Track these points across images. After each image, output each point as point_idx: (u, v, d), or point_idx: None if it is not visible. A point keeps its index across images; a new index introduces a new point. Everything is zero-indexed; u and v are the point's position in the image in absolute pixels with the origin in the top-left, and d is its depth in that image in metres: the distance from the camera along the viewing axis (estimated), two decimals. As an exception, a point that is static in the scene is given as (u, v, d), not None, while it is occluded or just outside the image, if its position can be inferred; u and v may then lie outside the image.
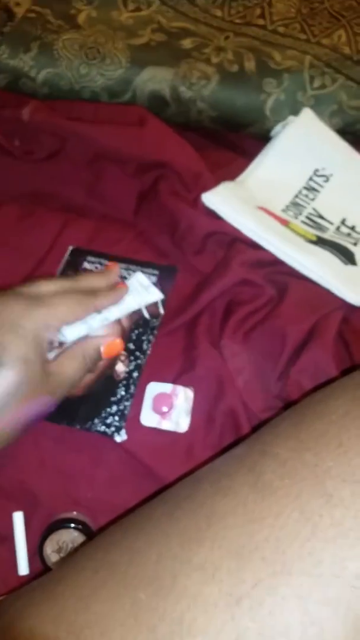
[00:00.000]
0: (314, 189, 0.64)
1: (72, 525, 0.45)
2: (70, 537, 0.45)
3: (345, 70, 0.68)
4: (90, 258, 0.58)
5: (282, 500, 0.31)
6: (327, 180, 0.64)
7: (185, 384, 0.52)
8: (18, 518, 0.47)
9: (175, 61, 0.65)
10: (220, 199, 0.58)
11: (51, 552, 0.45)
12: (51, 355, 0.45)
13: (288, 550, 0.29)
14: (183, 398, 0.51)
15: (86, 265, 0.58)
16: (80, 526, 0.45)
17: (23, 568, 0.46)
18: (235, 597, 0.29)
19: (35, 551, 0.46)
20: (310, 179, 0.64)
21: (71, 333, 0.51)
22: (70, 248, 0.59)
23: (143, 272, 0.57)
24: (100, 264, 0.58)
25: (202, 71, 0.65)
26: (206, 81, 0.65)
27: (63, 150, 0.62)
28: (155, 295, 0.55)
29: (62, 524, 0.45)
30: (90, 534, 0.45)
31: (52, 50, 0.65)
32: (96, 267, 0.58)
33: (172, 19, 0.70)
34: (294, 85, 0.66)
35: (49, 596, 0.34)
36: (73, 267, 0.58)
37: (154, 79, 0.65)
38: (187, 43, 0.68)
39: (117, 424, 0.49)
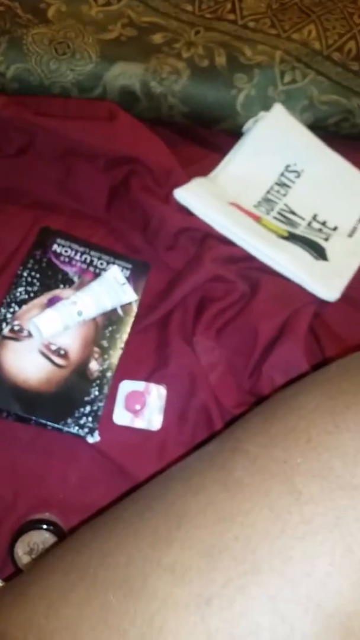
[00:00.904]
0: (285, 185, 0.64)
1: (44, 526, 0.44)
2: (41, 538, 0.44)
3: (315, 66, 0.69)
4: (60, 240, 0.57)
5: (252, 497, 0.31)
6: (298, 176, 0.64)
7: (158, 382, 0.52)
8: None
9: (146, 56, 0.65)
10: (192, 195, 0.58)
11: (22, 554, 0.44)
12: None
13: (258, 548, 0.29)
14: (156, 396, 0.51)
15: (55, 247, 0.57)
16: (51, 527, 0.44)
17: None
18: (205, 598, 0.28)
19: (7, 553, 0.45)
20: (282, 174, 0.64)
21: (47, 329, 0.50)
22: (41, 227, 0.58)
23: (116, 264, 0.56)
24: (71, 248, 0.57)
25: (173, 66, 0.65)
26: (177, 76, 0.64)
27: (32, 146, 0.60)
28: (130, 295, 0.55)
29: (33, 525, 0.44)
30: (62, 535, 0.45)
31: (22, 45, 0.64)
32: (66, 251, 0.57)
33: (143, 13, 0.69)
34: (265, 80, 0.66)
35: (18, 600, 0.33)
36: (41, 248, 0.56)
37: (125, 74, 0.64)
38: (157, 38, 0.67)
39: (90, 425, 0.48)
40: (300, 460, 0.32)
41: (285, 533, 0.29)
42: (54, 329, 0.50)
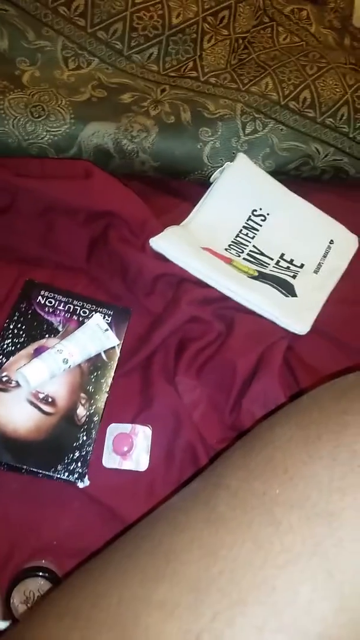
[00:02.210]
0: (253, 228, 0.68)
1: (39, 573, 0.45)
2: (36, 585, 0.45)
3: (274, 115, 0.74)
4: (44, 292, 0.60)
5: (234, 531, 0.32)
6: (264, 219, 0.68)
7: (144, 423, 0.54)
8: None
9: (117, 115, 0.69)
10: (167, 243, 0.61)
11: (19, 604, 0.45)
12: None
13: (242, 580, 0.30)
14: (142, 437, 0.53)
15: (40, 299, 0.60)
16: (46, 574, 0.45)
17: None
18: (194, 633, 0.29)
19: (4, 604, 0.46)
20: (249, 218, 0.68)
21: (35, 379, 0.52)
22: (25, 280, 0.61)
23: (98, 311, 0.59)
24: (55, 298, 0.60)
25: (142, 124, 0.69)
26: (146, 133, 0.69)
27: (14, 205, 0.64)
28: (113, 340, 0.57)
29: (28, 573, 0.45)
30: (57, 581, 0.45)
31: (-1, 110, 0.68)
32: (50, 302, 0.59)
33: (111, 75, 0.74)
34: (228, 132, 0.71)
35: (16, 650, 0.34)
36: (26, 300, 0.59)
37: (98, 134, 0.68)
38: (126, 97, 0.72)
39: (79, 470, 0.50)
40: (279, 490, 0.34)
41: (267, 563, 0.31)
42: (41, 378, 0.52)
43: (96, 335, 0.57)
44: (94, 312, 0.59)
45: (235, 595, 0.30)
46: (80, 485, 0.50)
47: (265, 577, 0.30)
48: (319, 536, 0.30)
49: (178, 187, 0.71)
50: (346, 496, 0.31)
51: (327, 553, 0.30)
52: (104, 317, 0.59)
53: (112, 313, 0.60)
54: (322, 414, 0.37)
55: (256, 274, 0.63)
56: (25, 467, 0.49)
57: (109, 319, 0.59)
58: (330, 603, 0.29)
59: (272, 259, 0.66)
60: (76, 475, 0.50)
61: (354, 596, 0.29)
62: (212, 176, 0.70)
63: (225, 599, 0.30)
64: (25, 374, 0.52)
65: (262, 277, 0.62)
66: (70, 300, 0.60)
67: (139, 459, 0.52)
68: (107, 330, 0.58)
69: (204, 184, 0.70)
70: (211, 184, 0.70)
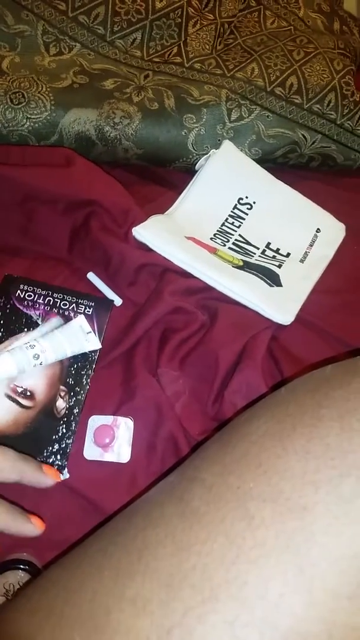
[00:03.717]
0: (239, 217, 0.67)
1: (20, 566, 0.45)
2: (16, 578, 0.45)
3: (260, 101, 0.72)
4: (22, 286, 0.59)
5: (208, 526, 0.32)
6: (250, 208, 0.67)
7: (126, 415, 0.53)
8: None
9: (99, 102, 0.68)
10: (150, 232, 0.61)
11: (-2, 598, 0.45)
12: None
13: (215, 575, 0.30)
14: (124, 428, 0.53)
15: (19, 293, 0.59)
16: (27, 567, 0.45)
17: None
18: (166, 629, 0.29)
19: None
20: (235, 207, 0.67)
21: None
22: (4, 275, 0.60)
23: (79, 303, 0.58)
24: (34, 292, 0.59)
25: (125, 110, 0.68)
26: (129, 120, 0.67)
27: (-7, 194, 0.62)
28: (94, 344, 0.56)
29: (8, 565, 0.45)
30: (38, 574, 0.45)
31: (-22, 97, 0.66)
32: (29, 296, 0.59)
33: (93, 61, 0.73)
34: (213, 119, 0.69)
35: (-11, 645, 0.34)
36: (5, 294, 0.59)
37: (79, 121, 0.67)
38: (108, 84, 0.70)
39: (59, 462, 0.50)
40: (253, 485, 0.33)
41: (240, 558, 0.30)
42: (7, 371, 0.51)
43: (76, 337, 0.55)
44: (74, 304, 0.58)
45: (207, 590, 0.30)
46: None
47: (237, 572, 0.30)
48: (291, 531, 0.30)
49: (163, 175, 0.70)
50: (319, 490, 0.31)
51: (299, 547, 0.30)
52: (84, 309, 0.58)
53: (93, 304, 0.59)
54: (298, 406, 0.36)
55: (241, 263, 0.62)
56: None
57: (90, 310, 0.59)
58: (300, 597, 0.29)
59: (257, 248, 0.65)
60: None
61: (324, 590, 0.29)
62: (197, 164, 0.68)
63: (198, 595, 0.30)
64: None
65: (247, 266, 0.62)
66: (50, 292, 0.59)
67: (120, 450, 0.52)
68: (89, 332, 0.56)
69: (189, 172, 0.69)
70: (196, 171, 0.68)
